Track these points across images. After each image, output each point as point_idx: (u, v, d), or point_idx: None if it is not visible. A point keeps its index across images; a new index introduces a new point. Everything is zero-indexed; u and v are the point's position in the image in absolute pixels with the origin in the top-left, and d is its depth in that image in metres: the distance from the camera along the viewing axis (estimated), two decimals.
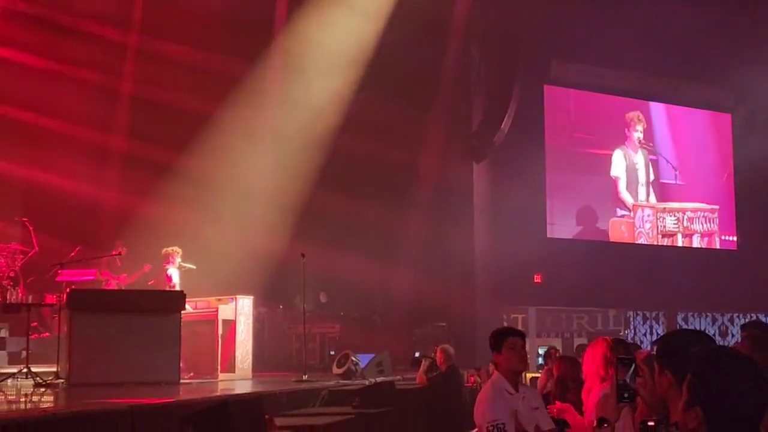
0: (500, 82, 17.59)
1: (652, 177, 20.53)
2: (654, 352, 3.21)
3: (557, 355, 10.58)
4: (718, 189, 21.52)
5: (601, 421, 2.90)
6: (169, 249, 12.23)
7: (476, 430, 5.16)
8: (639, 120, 20.42)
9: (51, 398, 8.68)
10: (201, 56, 15.25)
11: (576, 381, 5.63)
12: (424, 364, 11.06)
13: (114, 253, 12.77)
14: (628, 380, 2.93)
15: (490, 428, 4.82)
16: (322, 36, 16.14)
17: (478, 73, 17.75)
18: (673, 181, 20.84)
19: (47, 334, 13.06)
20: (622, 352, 3.91)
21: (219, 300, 12.17)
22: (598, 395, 4.75)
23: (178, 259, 12.20)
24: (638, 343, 15.99)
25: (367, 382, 10.74)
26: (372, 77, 16.02)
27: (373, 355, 12.41)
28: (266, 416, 6.83)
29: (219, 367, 11.65)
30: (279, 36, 16.55)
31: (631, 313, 20.42)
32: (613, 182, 20.17)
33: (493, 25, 17.66)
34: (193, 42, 15.41)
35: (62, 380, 9.72)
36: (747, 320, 17.13)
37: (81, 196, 15.24)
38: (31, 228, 14.27)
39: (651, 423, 2.61)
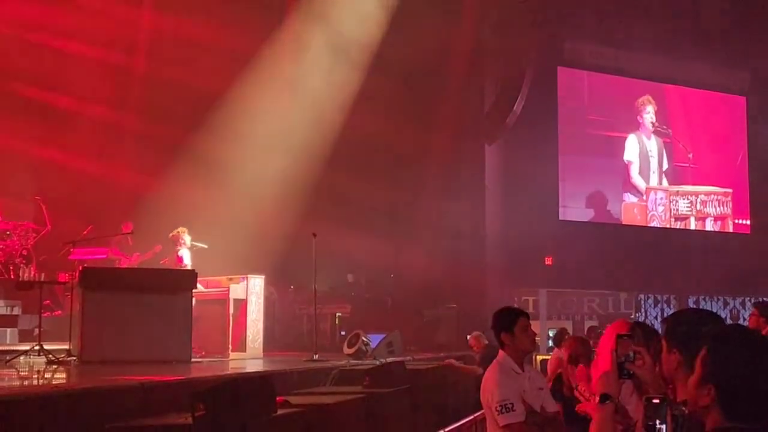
0: (513, 63, 17.49)
1: (665, 165, 20.40)
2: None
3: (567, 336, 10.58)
4: (731, 172, 21.39)
5: (603, 397, 2.89)
6: (175, 231, 12.21)
7: (483, 411, 5.16)
8: (648, 101, 20.24)
9: (63, 375, 8.73)
10: (213, 35, 15.19)
11: (587, 358, 5.65)
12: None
13: (125, 230, 12.80)
14: (630, 356, 2.93)
15: (499, 408, 4.81)
16: (334, 15, 16.09)
17: (491, 54, 17.64)
18: (687, 164, 20.73)
19: (59, 312, 13.10)
20: (640, 335, 3.90)
21: (230, 279, 12.21)
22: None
23: (186, 238, 12.17)
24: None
25: (377, 362, 10.74)
26: (384, 57, 15.95)
27: (383, 336, 12.42)
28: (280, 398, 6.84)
29: (230, 346, 11.70)
30: (291, 15, 16.49)
31: (642, 296, 20.38)
32: (626, 167, 20.07)
33: (507, 5, 17.53)
34: (206, 20, 15.36)
35: (74, 358, 9.77)
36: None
37: (93, 175, 15.26)
38: (43, 206, 14.36)
39: (656, 400, 2.60)
